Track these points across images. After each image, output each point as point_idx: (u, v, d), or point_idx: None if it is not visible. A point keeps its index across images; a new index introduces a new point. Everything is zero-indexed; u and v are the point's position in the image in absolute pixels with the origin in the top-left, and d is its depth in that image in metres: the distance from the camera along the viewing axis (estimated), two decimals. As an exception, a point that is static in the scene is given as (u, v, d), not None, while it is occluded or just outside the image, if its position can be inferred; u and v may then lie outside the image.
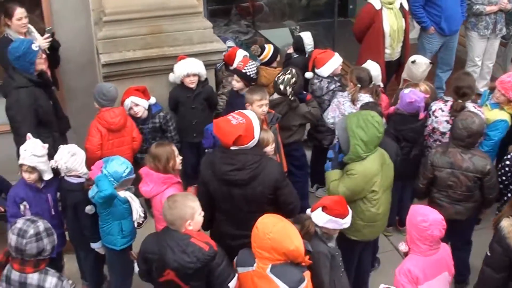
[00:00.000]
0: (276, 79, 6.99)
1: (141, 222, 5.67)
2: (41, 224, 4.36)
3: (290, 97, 6.85)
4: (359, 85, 6.89)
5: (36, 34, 7.00)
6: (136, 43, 7.12)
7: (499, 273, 5.12)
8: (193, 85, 7.06)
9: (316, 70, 7.45)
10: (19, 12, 6.92)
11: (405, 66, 7.34)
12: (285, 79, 6.86)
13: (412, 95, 6.51)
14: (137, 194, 5.73)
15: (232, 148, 4.91)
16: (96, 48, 7.29)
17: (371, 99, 6.83)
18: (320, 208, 5.07)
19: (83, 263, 6.24)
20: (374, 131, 5.33)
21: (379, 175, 5.47)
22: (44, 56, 6.31)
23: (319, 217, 5.07)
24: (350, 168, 5.43)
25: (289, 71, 6.92)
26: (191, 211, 4.59)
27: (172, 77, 7.16)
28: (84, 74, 7.46)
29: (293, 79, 6.85)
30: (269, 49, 7.84)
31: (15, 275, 4.41)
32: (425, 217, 4.74)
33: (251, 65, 7.15)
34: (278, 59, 7.89)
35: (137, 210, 5.57)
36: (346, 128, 5.38)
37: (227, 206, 5.11)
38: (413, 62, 7.07)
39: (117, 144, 6.65)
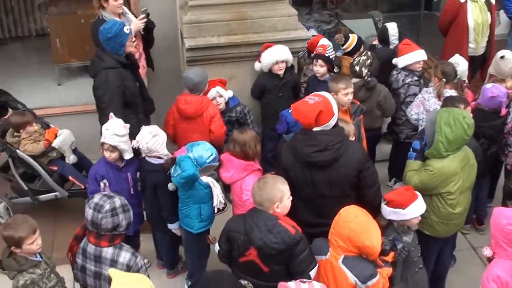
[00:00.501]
0: (351, 61, 7.01)
1: (220, 208, 5.70)
2: (118, 200, 4.46)
3: (366, 78, 6.81)
4: (444, 80, 6.72)
5: (130, 15, 7.02)
6: (221, 28, 7.13)
7: None
8: (281, 72, 7.04)
9: (394, 60, 7.33)
10: None
11: (492, 61, 7.15)
12: (361, 61, 6.87)
13: (494, 90, 6.37)
14: (217, 179, 5.75)
15: (314, 129, 4.88)
16: (181, 32, 7.35)
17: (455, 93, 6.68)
18: (384, 201, 5.07)
19: (159, 243, 6.32)
20: (461, 132, 5.16)
21: (458, 175, 5.31)
22: (134, 38, 6.34)
23: (383, 210, 5.08)
24: (429, 164, 5.31)
25: (364, 53, 6.96)
26: (280, 194, 4.59)
27: (258, 66, 7.14)
28: (167, 58, 7.52)
29: (369, 61, 6.85)
30: (353, 39, 7.79)
31: (91, 248, 4.55)
32: (511, 219, 4.60)
33: (330, 49, 7.16)
34: (361, 49, 7.78)
35: (218, 196, 5.58)
36: (435, 122, 5.24)
37: (308, 192, 5.05)
38: (502, 57, 6.88)
39: (189, 130, 6.66)
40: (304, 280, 4.21)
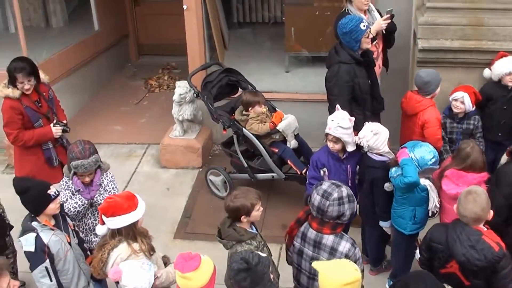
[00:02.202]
0: None
1: (435, 212, 5.69)
2: (345, 190, 4.56)
3: None
4: None
5: (376, 13, 7.10)
6: (455, 32, 7.06)
7: None
8: (511, 83, 6.79)
9: None
10: None
11: None
12: None
13: None
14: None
15: None
16: (414, 33, 7.36)
17: None
18: None
19: (367, 238, 6.41)
20: None
21: None
22: (371, 35, 6.43)
23: None
24: None
25: None
26: (488, 209, 4.55)
27: (488, 73, 6.97)
28: (397, 57, 7.54)
29: None
30: None
31: (311, 234, 4.67)
32: None
33: None
34: None
35: (434, 200, 5.58)
36: None
37: None
38: None
39: (408, 127, 6.74)
40: None
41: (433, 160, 5.48)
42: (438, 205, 5.63)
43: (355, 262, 4.38)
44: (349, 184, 5.98)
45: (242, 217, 4.83)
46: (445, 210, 5.73)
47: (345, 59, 6.32)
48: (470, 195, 4.60)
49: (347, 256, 4.50)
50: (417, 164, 5.45)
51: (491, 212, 4.57)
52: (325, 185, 4.58)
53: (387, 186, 5.72)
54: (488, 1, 7.03)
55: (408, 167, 5.40)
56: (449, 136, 6.92)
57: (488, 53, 6.98)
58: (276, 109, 7.39)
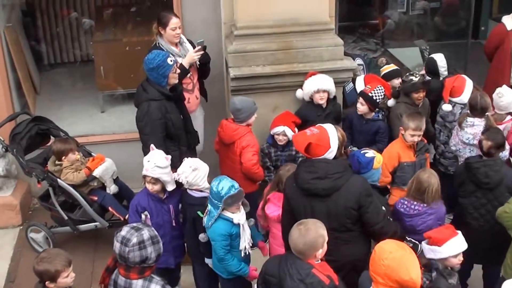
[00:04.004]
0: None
1: (247, 253, 5.57)
2: (146, 233, 4.36)
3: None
4: (468, 111, 6.77)
5: (187, 45, 6.96)
6: (266, 58, 7.08)
7: None
8: (322, 102, 6.93)
9: (455, 99, 7.21)
10: (174, 22, 6.79)
11: None
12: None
13: None
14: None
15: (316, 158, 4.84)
16: (226, 62, 7.28)
17: (480, 124, 6.60)
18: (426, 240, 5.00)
19: (198, 276, 6.18)
20: None
21: None
22: (178, 70, 6.28)
23: (424, 249, 5.00)
24: None
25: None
26: (322, 240, 4.44)
27: (300, 93, 7.07)
28: (212, 87, 7.46)
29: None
30: (391, 66, 7.86)
31: (121, 280, 4.47)
32: None
33: (379, 89, 6.96)
34: (398, 81, 7.61)
35: (245, 242, 5.49)
36: None
37: None
38: None
39: (225, 155, 6.77)
40: None
41: (232, 191, 5.30)
42: (248, 247, 5.51)
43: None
44: (174, 224, 5.83)
45: (47, 282, 4.52)
46: (274, 235, 5.73)
47: (154, 96, 6.13)
48: (300, 225, 4.48)
49: None
50: (211, 197, 5.36)
51: (320, 251, 4.45)
52: (124, 230, 4.39)
53: (201, 237, 5.58)
54: (294, 24, 7.12)
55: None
56: (275, 163, 6.93)
57: (300, 75, 7.08)
58: (92, 154, 7.07)
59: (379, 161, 5.51)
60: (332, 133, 4.92)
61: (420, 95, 7.15)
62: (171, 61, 6.11)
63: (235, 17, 7.15)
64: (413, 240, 5.43)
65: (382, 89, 6.97)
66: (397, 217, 5.77)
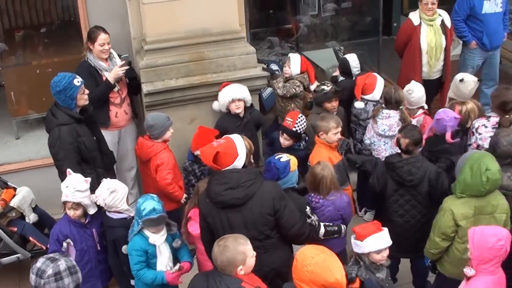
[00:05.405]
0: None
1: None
2: (62, 263, 4.16)
3: None
4: (383, 105, 6.91)
5: (117, 60, 6.94)
6: (179, 70, 7.02)
7: None
8: (239, 111, 6.92)
9: (367, 96, 7.33)
10: (103, 37, 6.80)
11: (451, 85, 7.14)
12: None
13: (441, 113, 6.45)
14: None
15: (225, 168, 4.83)
16: (138, 77, 7.18)
17: (396, 115, 6.76)
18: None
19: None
20: (478, 182, 5.18)
21: (468, 221, 5.27)
22: (86, 91, 6.15)
23: (352, 243, 5.06)
24: (444, 200, 5.42)
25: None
26: (242, 257, 4.35)
27: (216, 105, 7.04)
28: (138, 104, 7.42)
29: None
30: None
31: None
32: (499, 235, 4.62)
33: (301, 121, 6.81)
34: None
35: (162, 264, 5.45)
36: (466, 160, 5.32)
37: None
38: (462, 80, 6.87)
39: (144, 173, 6.77)
40: None
41: (152, 215, 5.26)
42: (170, 267, 5.46)
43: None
44: (99, 248, 5.70)
45: None
46: (200, 251, 5.62)
47: (63, 121, 6.00)
48: (220, 241, 4.42)
49: None
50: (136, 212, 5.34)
51: (240, 267, 4.38)
52: (40, 262, 4.19)
53: (124, 249, 5.49)
54: (205, 34, 7.09)
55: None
56: (201, 178, 6.82)
57: (215, 86, 7.05)
58: (8, 183, 6.85)
59: (294, 163, 5.51)
60: (239, 142, 4.93)
61: (333, 104, 7.17)
62: (77, 82, 5.99)
63: (144, 32, 7.07)
64: (335, 224, 5.61)
65: (303, 119, 6.84)
66: None
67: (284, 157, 5.53)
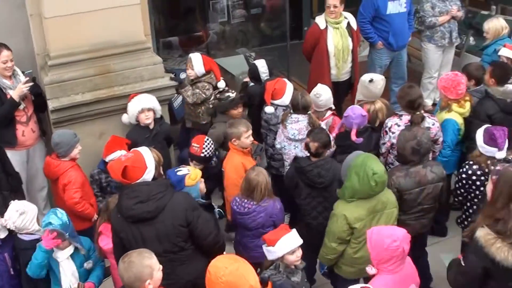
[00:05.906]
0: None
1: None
2: None
3: None
4: (291, 111, 6.96)
5: (21, 77, 6.75)
6: (85, 85, 6.90)
7: (472, 283, 4.88)
8: (149, 121, 6.86)
9: (277, 101, 7.32)
10: (5, 54, 6.62)
11: (359, 86, 7.24)
12: None
13: (349, 111, 6.59)
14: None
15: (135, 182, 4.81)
16: (44, 94, 7.02)
17: (304, 119, 6.80)
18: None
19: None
20: (367, 187, 5.28)
21: (363, 222, 5.38)
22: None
23: (264, 251, 5.07)
24: (335, 206, 5.48)
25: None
26: (149, 270, 4.27)
27: (126, 118, 6.95)
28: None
29: None
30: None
31: None
32: (394, 236, 4.62)
33: (208, 144, 6.57)
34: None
35: (65, 281, 5.39)
36: (350, 165, 5.38)
37: None
38: (371, 81, 6.97)
39: (54, 191, 6.61)
40: None
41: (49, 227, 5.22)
42: (73, 282, 5.38)
43: None
44: (12, 273, 5.52)
45: None
46: (114, 266, 5.52)
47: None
48: (125, 258, 4.33)
49: None
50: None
51: (148, 281, 4.29)
52: None
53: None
54: (110, 47, 7.00)
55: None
56: (106, 189, 6.78)
57: (123, 98, 6.98)
58: None
59: (194, 178, 5.39)
60: (147, 154, 4.89)
61: (239, 110, 7.22)
62: None
63: (48, 47, 6.92)
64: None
65: (210, 142, 6.59)
66: (232, 215, 5.94)
67: (184, 170, 5.44)
